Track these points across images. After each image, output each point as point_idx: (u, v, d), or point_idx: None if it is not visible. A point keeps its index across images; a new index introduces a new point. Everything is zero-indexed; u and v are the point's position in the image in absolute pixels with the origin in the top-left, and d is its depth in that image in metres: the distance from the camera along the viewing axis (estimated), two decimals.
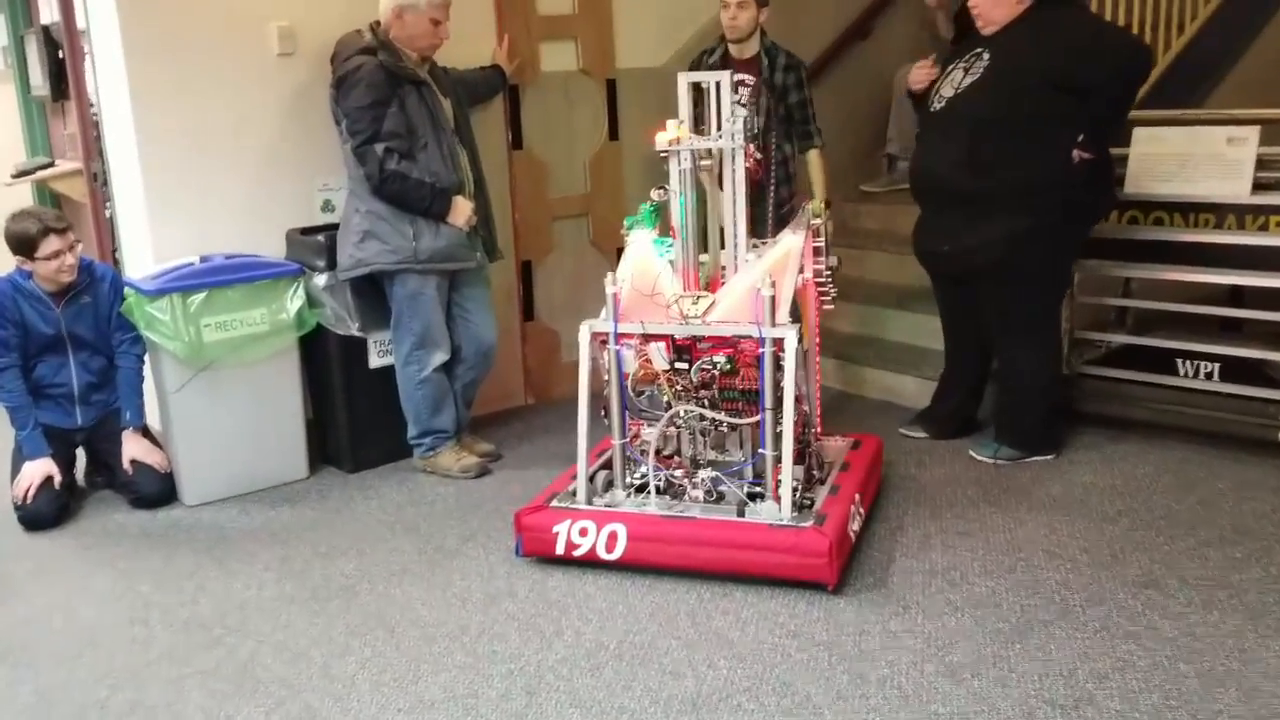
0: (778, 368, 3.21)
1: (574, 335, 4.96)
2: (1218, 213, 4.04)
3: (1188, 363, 4.18)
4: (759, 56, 4.40)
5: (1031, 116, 3.68)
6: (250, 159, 4.09)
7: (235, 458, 3.97)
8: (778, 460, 3.23)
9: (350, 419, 4.16)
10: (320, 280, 4.00)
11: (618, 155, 4.98)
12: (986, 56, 3.78)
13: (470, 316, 4.11)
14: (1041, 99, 3.67)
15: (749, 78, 4.32)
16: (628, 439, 3.43)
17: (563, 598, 3.14)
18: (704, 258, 3.50)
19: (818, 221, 3.49)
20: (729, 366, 3.26)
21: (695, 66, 4.51)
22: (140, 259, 4.02)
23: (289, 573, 3.39)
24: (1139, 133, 4.17)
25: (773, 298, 3.16)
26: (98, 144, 4.75)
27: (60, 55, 4.99)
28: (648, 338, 3.31)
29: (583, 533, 3.25)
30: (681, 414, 3.35)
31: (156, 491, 3.91)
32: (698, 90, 3.45)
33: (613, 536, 3.22)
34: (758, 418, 3.26)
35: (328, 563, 3.45)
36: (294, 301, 3.96)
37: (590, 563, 3.26)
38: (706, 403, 3.34)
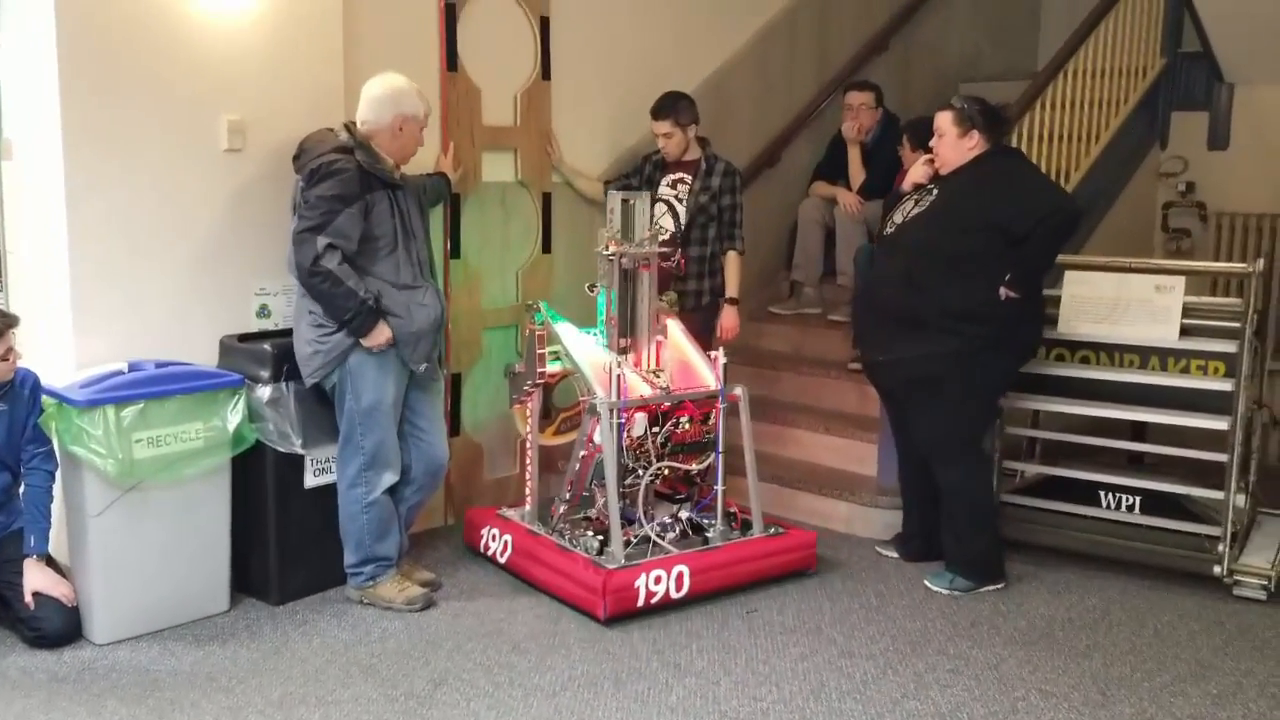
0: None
1: (498, 449, 4.86)
2: (1142, 354, 4.31)
3: (1110, 495, 4.38)
4: (699, 161, 4.71)
5: (963, 250, 3.91)
6: (185, 259, 3.74)
7: (154, 589, 3.55)
8: (724, 493, 4.04)
9: (280, 544, 3.79)
10: (264, 393, 3.67)
11: (550, 267, 4.86)
12: (934, 192, 4.05)
13: (422, 434, 3.86)
14: (974, 236, 3.91)
15: (686, 175, 4.69)
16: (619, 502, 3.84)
17: None
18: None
19: (673, 309, 4.32)
20: (688, 424, 3.95)
21: (640, 167, 4.83)
22: (58, 365, 3.56)
23: None
24: (1070, 275, 4.41)
25: (726, 364, 4.05)
26: None
27: None
28: (638, 409, 3.85)
29: (657, 580, 3.67)
30: (656, 471, 3.95)
31: (62, 628, 3.43)
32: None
33: (680, 576, 3.73)
34: (708, 461, 4.03)
35: (288, 713, 3.09)
36: (234, 415, 3.61)
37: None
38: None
